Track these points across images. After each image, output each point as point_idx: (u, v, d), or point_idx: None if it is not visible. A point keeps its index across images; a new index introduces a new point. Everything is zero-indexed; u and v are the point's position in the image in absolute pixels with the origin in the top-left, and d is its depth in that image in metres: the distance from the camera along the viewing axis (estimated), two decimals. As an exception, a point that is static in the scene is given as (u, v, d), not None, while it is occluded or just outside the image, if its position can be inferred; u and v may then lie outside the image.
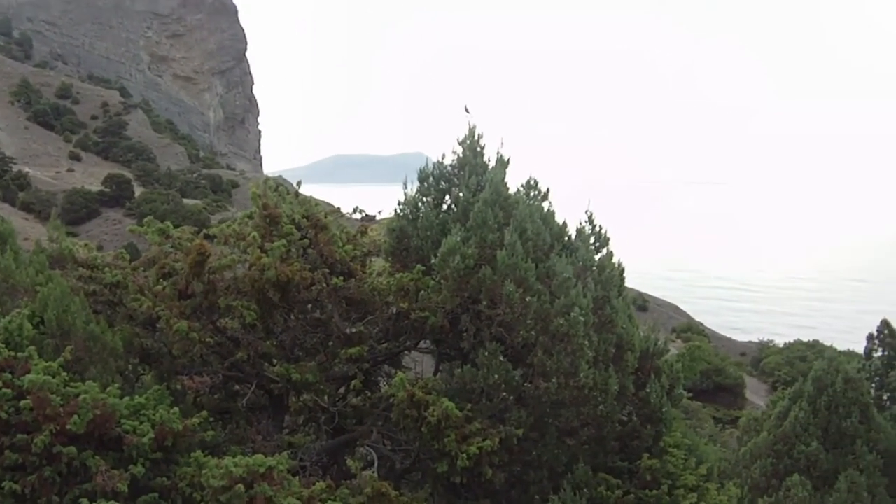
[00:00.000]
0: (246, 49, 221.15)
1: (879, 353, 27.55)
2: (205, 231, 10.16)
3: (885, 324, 27.71)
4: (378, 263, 10.10)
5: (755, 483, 21.88)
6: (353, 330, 9.38)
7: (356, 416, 9.78)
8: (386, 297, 9.59)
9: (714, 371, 37.72)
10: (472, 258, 9.26)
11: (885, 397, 26.15)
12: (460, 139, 10.17)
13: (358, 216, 10.81)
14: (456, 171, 10.17)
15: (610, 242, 10.31)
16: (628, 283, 10.64)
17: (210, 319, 9.27)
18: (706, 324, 62.94)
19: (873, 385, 26.24)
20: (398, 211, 10.14)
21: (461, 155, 10.20)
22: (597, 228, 10.30)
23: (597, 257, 10.17)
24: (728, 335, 62.88)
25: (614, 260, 10.21)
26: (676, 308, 64.95)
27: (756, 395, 40.71)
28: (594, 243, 10.29)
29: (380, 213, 10.93)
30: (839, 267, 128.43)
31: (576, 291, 9.30)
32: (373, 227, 10.27)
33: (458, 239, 9.28)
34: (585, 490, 9.43)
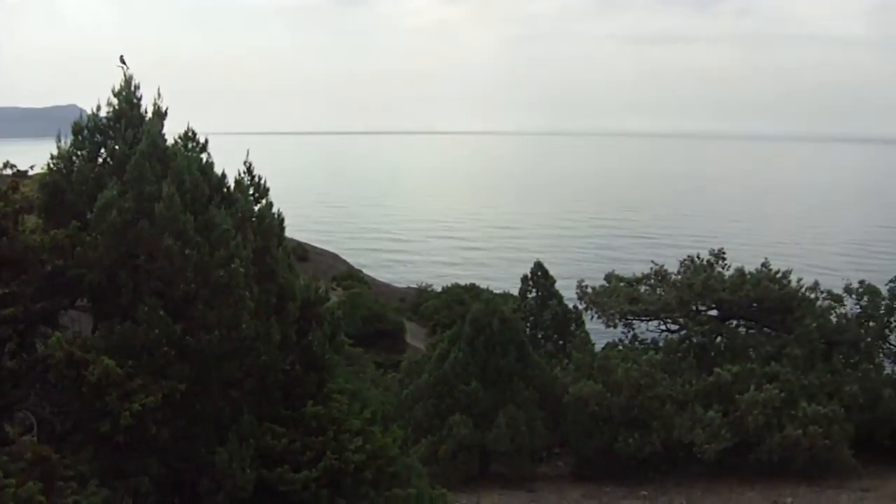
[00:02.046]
0: None
1: (533, 294, 30.92)
2: None
3: (538, 266, 31.13)
4: (31, 220, 10.64)
5: (418, 423, 24.33)
6: (6, 290, 9.95)
7: (12, 380, 10.24)
8: (40, 254, 10.15)
9: (374, 317, 40.20)
10: (129, 212, 10.12)
11: (539, 336, 29.58)
12: (116, 91, 10.97)
13: (8, 172, 11.26)
14: (112, 123, 10.94)
15: (269, 193, 11.56)
16: (288, 233, 11.95)
17: None
18: (366, 271, 66.02)
19: (528, 324, 29.52)
20: (51, 165, 10.76)
21: (117, 107, 10.96)
22: (256, 179, 11.52)
23: (256, 208, 11.36)
24: (387, 281, 66.37)
25: (274, 210, 11.45)
26: (336, 256, 67.59)
27: (416, 338, 43.74)
28: (253, 194, 11.46)
29: (32, 168, 11.45)
30: (488, 216, 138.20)
31: (235, 243, 10.39)
32: (25, 183, 10.81)
33: (115, 193, 10.13)
34: (252, 440, 10.58)
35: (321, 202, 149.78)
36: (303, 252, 53.23)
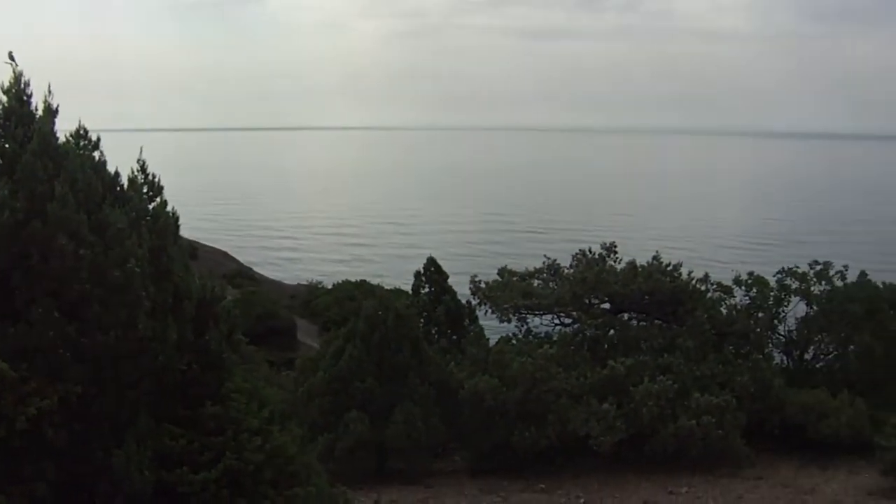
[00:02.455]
0: None
1: (426, 290, 31.16)
2: None
3: (430, 261, 31.38)
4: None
5: (315, 421, 24.34)
6: None
7: None
8: (-72, 257, 9.99)
9: (266, 315, 40.00)
10: (20, 212, 10.03)
11: (433, 331, 29.81)
12: (5, 88, 10.82)
13: None
14: (1, 121, 10.82)
15: (163, 191, 11.54)
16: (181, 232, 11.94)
17: None
18: (255, 269, 65.68)
19: (422, 320, 29.75)
20: (-63, 166, 10.57)
21: (6, 104, 10.83)
22: (150, 177, 11.48)
23: (150, 206, 11.35)
24: (277, 278, 66.07)
25: (168, 208, 11.44)
26: (226, 254, 67.06)
27: (308, 336, 43.67)
28: (147, 192, 11.44)
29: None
30: (378, 212, 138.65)
31: (130, 242, 10.39)
32: None
33: (6, 192, 10.03)
34: (149, 442, 10.58)
35: (208, 200, 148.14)
36: (192, 250, 52.71)
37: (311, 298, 52.79)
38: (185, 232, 13.99)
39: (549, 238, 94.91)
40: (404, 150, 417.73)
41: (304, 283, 61.08)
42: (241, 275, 57.95)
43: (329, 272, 69.99)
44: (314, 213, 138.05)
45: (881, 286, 33.09)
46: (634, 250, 35.73)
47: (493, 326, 32.21)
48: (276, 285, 60.20)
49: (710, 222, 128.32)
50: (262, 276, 63.20)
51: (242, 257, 71.40)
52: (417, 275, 31.80)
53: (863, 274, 31.52)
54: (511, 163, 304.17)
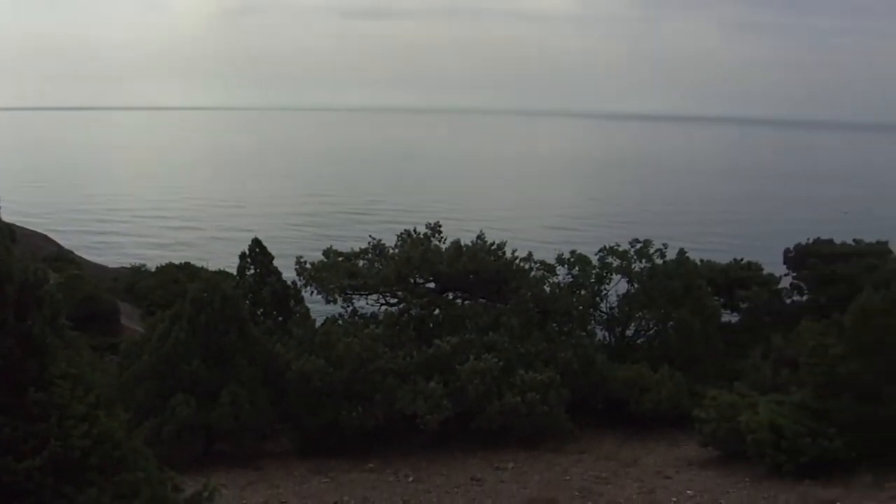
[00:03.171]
0: None
1: (252, 272, 31.04)
2: None
3: (256, 242, 31.26)
4: None
5: (141, 405, 24.07)
6: None
7: None
8: None
9: (88, 299, 39.12)
10: None
11: (259, 313, 29.74)
12: None
13: None
14: None
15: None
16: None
17: None
18: (77, 252, 64.01)
19: (248, 302, 29.65)
20: None
21: None
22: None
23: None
24: (98, 261, 64.54)
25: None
26: (45, 237, 65.11)
27: (131, 320, 42.89)
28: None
29: None
30: (202, 194, 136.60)
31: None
32: None
33: None
34: (-28, 431, 10.47)
35: (25, 182, 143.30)
36: (10, 233, 50.99)
37: (134, 282, 51.77)
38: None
39: (374, 219, 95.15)
40: (227, 130, 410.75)
41: (127, 265, 59.83)
42: (62, 258, 56.37)
43: (151, 257, 68.72)
44: (133, 196, 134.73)
45: (699, 263, 34.45)
46: (460, 230, 36.25)
47: (320, 308, 32.29)
48: (98, 269, 58.81)
49: (536, 202, 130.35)
50: (83, 259, 61.65)
51: (63, 240, 69.47)
52: (242, 256, 31.62)
53: (681, 252, 32.60)
54: (336, 143, 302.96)
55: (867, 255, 36.02)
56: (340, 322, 29.85)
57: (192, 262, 54.66)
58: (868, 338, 21.50)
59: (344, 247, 33.71)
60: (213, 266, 48.33)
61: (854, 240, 38.31)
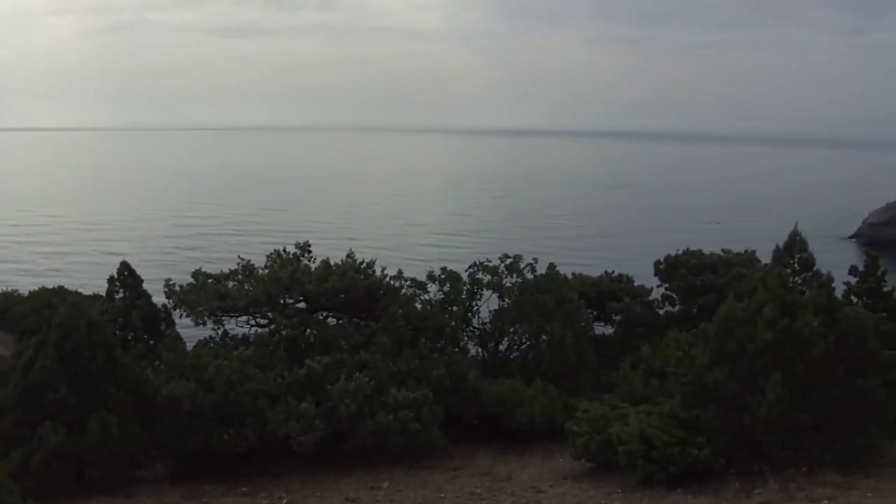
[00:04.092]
0: None
1: (121, 295, 30.56)
2: None
3: (124, 266, 30.81)
4: None
5: (7, 436, 23.51)
6: None
7: None
8: None
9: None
10: None
11: (129, 337, 29.30)
12: None
13: None
14: None
15: None
16: None
17: None
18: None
19: (118, 326, 29.18)
20: None
21: None
22: None
23: None
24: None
25: None
26: None
27: (3, 346, 41.88)
28: None
29: None
30: (70, 217, 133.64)
31: None
32: None
33: None
34: None
35: None
36: None
37: (5, 308, 50.48)
38: None
39: (246, 239, 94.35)
40: (100, 151, 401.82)
41: (-2, 291, 58.27)
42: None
43: (22, 283, 66.98)
44: (2, 219, 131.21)
45: (570, 277, 34.98)
46: (330, 249, 36.23)
47: (194, 331, 31.93)
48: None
49: (408, 219, 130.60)
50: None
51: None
52: (111, 280, 31.15)
53: (551, 266, 33.02)
54: (211, 162, 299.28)
55: (735, 265, 37.01)
56: (211, 345, 29.58)
57: (66, 286, 53.52)
58: (731, 347, 22.08)
59: (214, 268, 33.39)
60: (85, 290, 47.37)
61: (723, 250, 39.34)
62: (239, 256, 32.93)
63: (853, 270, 31.35)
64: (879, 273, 30.76)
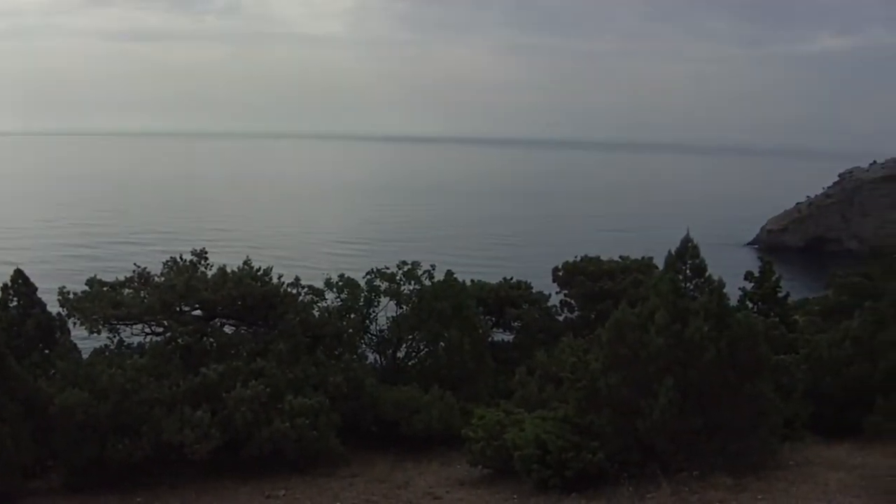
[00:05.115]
0: None
1: (14, 304, 29.98)
2: None
3: (18, 273, 30.24)
4: None
5: None
6: None
7: None
8: None
9: None
10: None
11: (23, 346, 28.71)
12: None
13: None
14: None
15: None
16: None
17: None
18: None
19: (12, 335, 28.58)
20: None
21: None
22: None
23: None
24: None
25: None
26: None
27: None
28: None
29: None
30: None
31: None
32: None
33: None
34: None
35: None
36: None
37: None
38: None
39: (143, 248, 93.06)
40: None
41: None
42: None
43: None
44: None
45: (468, 284, 35.23)
46: (228, 256, 35.96)
47: (90, 340, 31.43)
48: None
49: (306, 227, 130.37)
50: None
51: None
52: (4, 288, 30.54)
53: (449, 273, 33.25)
54: (107, 168, 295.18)
55: (633, 272, 37.59)
56: (106, 353, 29.18)
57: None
58: (624, 352, 22.37)
59: (110, 276, 32.90)
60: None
61: (620, 257, 39.95)
62: (135, 264, 32.47)
63: (749, 276, 32.12)
64: (774, 279, 31.55)
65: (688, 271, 23.36)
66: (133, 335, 30.68)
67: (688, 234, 23.56)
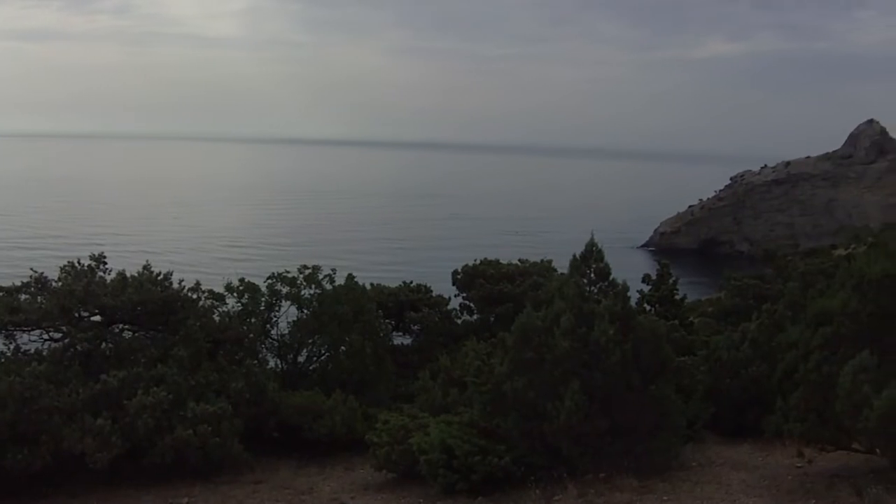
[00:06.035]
0: None
1: None
2: None
3: None
4: None
5: None
6: None
7: None
8: None
9: None
10: None
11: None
12: None
13: None
14: None
15: None
16: None
17: None
18: None
19: None
20: None
21: None
22: None
23: None
24: None
25: None
26: None
27: None
28: None
29: None
30: None
31: None
32: None
33: None
34: None
35: None
36: None
37: None
38: None
39: (39, 254, 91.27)
40: None
41: None
42: None
43: None
44: None
45: (368, 287, 35.17)
46: (127, 261, 35.30)
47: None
48: None
49: (205, 231, 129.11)
50: None
51: None
52: None
53: (350, 277, 33.20)
54: None
55: (532, 274, 37.86)
56: (3, 360, 28.44)
57: None
58: (530, 356, 22.48)
59: (6, 280, 32.11)
60: None
61: (520, 260, 40.20)
62: (31, 269, 31.70)
63: (646, 279, 32.57)
64: (671, 281, 32.02)
65: (592, 275, 23.57)
66: (31, 341, 29.97)
67: (592, 238, 23.79)
